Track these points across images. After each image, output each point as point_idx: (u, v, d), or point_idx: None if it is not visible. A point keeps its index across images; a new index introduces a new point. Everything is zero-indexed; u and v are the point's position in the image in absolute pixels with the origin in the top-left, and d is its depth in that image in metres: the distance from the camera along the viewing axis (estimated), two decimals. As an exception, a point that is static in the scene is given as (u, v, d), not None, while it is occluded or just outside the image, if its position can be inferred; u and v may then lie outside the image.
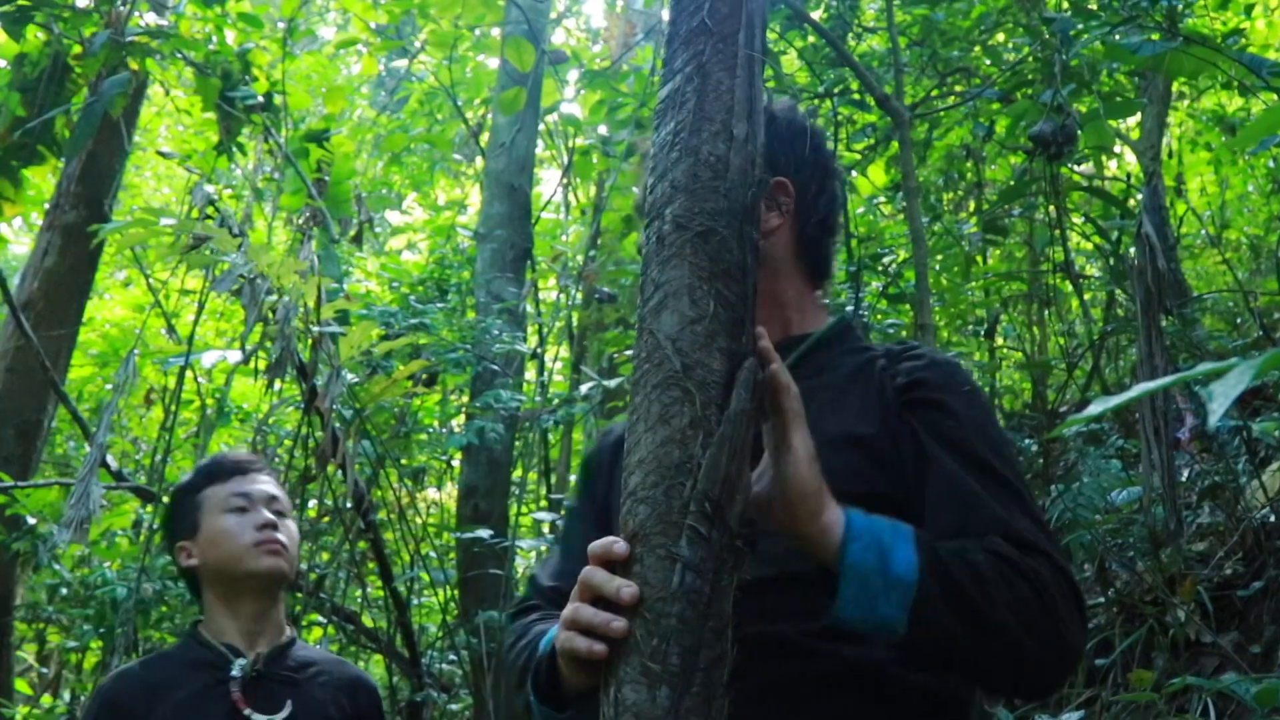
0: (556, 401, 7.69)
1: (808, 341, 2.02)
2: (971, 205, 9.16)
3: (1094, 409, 1.10)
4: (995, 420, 1.92)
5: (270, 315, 5.51)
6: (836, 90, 7.05)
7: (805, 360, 1.99)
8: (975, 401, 1.89)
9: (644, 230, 1.85)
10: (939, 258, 8.09)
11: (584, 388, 7.56)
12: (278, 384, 5.95)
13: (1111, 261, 6.31)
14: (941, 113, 7.31)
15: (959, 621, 1.65)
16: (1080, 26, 4.90)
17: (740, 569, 1.68)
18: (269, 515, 2.77)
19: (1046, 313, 8.67)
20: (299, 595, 6.52)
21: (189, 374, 7.41)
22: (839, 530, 1.69)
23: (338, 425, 5.71)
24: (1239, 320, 8.40)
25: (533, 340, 8.53)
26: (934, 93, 7.47)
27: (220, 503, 2.78)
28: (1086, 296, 8.58)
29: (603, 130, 8.67)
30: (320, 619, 7.06)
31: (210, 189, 6.18)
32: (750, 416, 1.70)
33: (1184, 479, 5.80)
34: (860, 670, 1.77)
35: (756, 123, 1.87)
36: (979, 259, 8.47)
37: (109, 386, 9.36)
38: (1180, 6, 4.76)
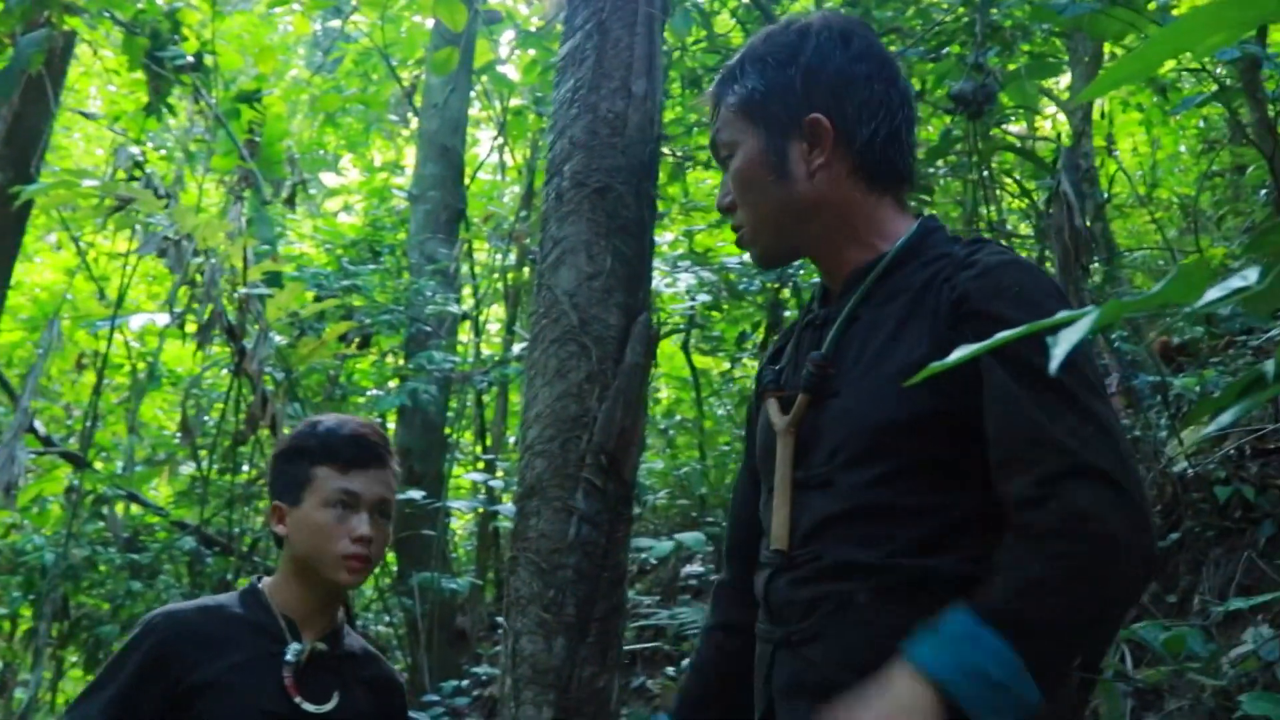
0: (491, 363, 7.69)
1: (874, 271, 1.98)
2: (905, 165, 9.18)
3: (964, 352, 1.12)
4: (1050, 314, 1.77)
5: (198, 278, 5.48)
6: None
7: (881, 283, 1.97)
8: (1024, 302, 1.81)
9: (544, 187, 1.87)
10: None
11: (517, 348, 7.57)
12: (211, 347, 5.92)
13: (1037, 221, 6.37)
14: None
15: (1058, 642, 1.68)
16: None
17: (633, 521, 1.72)
18: (367, 529, 2.56)
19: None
20: (231, 560, 6.51)
21: (120, 338, 7.36)
22: (922, 682, 1.68)
23: (269, 388, 5.70)
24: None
25: (468, 302, 8.50)
26: (866, 53, 7.45)
27: (328, 493, 2.58)
28: (1018, 256, 8.64)
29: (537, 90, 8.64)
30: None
31: (135, 150, 6.13)
32: (644, 371, 1.72)
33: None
34: (935, 576, 1.79)
35: (656, 80, 1.89)
36: (911, 218, 8.50)
37: (38, 351, 9.27)
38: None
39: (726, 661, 2.22)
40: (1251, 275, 1.09)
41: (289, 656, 2.54)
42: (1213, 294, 1.08)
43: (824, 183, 1.99)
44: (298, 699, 2.51)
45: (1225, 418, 1.25)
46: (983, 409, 1.78)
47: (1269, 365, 1.20)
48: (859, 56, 2.03)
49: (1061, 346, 0.98)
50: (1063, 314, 1.08)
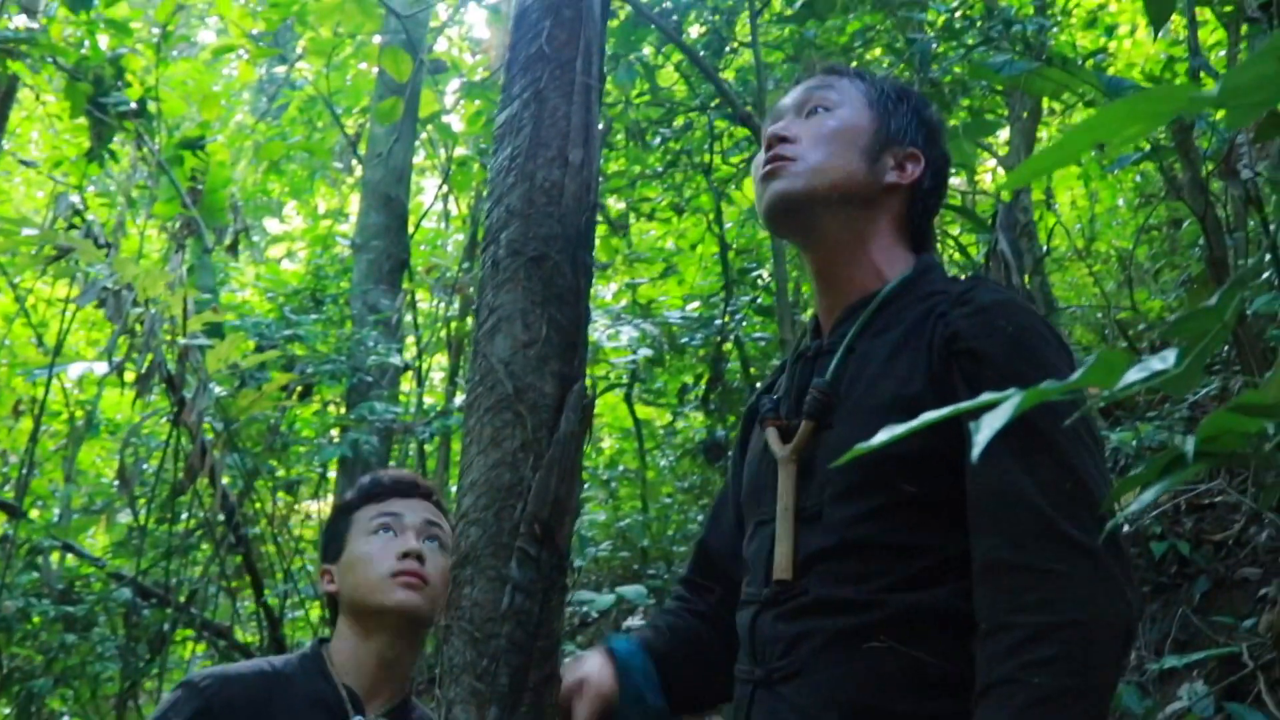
0: (433, 414, 7.67)
1: (874, 302, 2.04)
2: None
3: (888, 434, 1.14)
4: (1042, 359, 1.84)
5: (138, 328, 5.44)
6: (713, 104, 7.11)
7: (877, 316, 2.02)
8: (1017, 344, 1.85)
9: (481, 256, 1.88)
10: (811, 271, 8.15)
11: (459, 399, 7.55)
12: (151, 395, 5.87)
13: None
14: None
15: None
16: (940, 49, 5.01)
17: (568, 589, 1.73)
18: (415, 544, 2.39)
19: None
20: (168, 611, 6.43)
21: (59, 385, 7.29)
22: None
23: (208, 438, 5.65)
24: (1106, 332, 8.59)
25: (411, 351, 8.48)
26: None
27: (367, 524, 2.44)
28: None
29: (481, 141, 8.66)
30: (191, 635, 6.97)
31: (75, 199, 6.09)
32: (579, 440, 1.73)
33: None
34: (920, 611, 1.79)
35: (592, 149, 1.90)
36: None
37: (-25, 398, 9.13)
38: (1032, 31, 4.88)
39: (688, 629, 2.21)
40: (1170, 358, 1.12)
41: None
42: (1132, 376, 1.11)
43: (887, 194, 2.10)
44: None
45: (1147, 495, 1.28)
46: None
47: (1189, 443, 1.22)
48: (946, 148, 2.24)
49: (983, 434, 1.00)
50: (999, 394, 1.10)
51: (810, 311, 2.26)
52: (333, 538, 2.52)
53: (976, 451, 1.02)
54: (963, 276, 2.65)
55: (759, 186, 2.12)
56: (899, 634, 1.79)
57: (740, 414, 2.34)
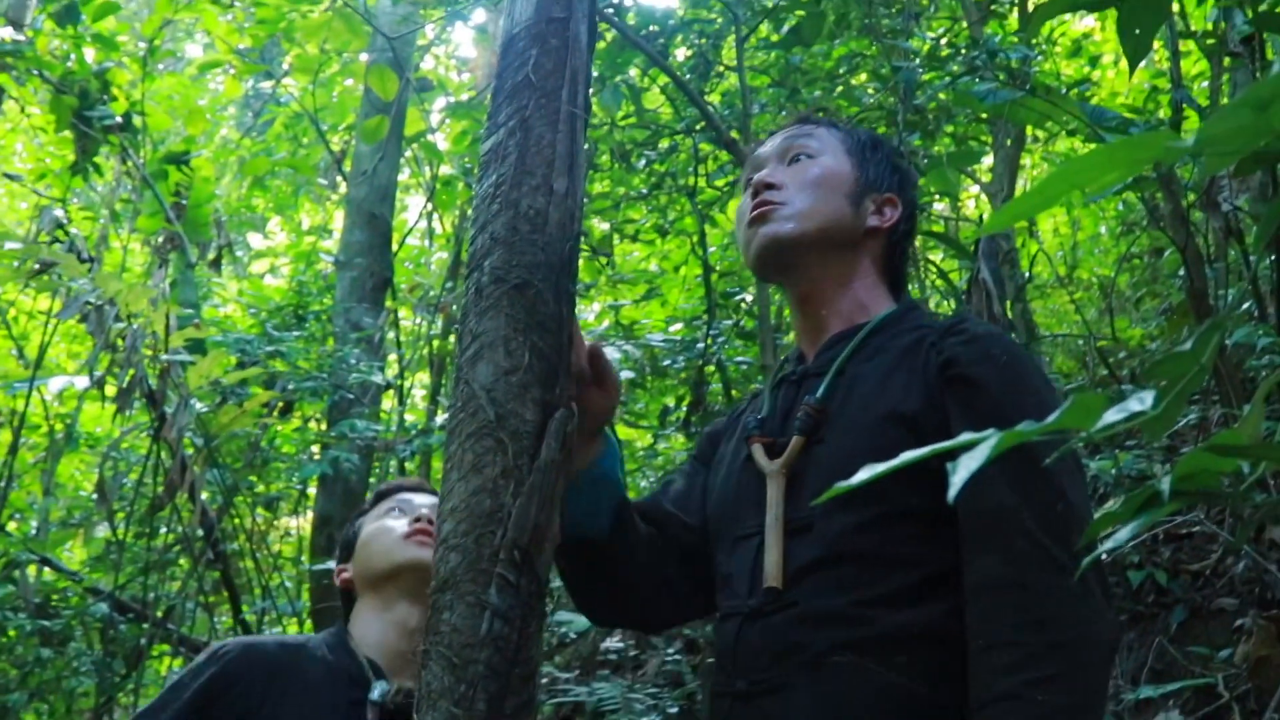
0: (414, 432, 7.66)
1: (863, 330, 2.10)
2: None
3: (869, 473, 1.15)
4: (1033, 388, 1.92)
5: (120, 343, 5.43)
6: (698, 127, 7.13)
7: (864, 345, 2.08)
8: (1010, 372, 1.91)
9: (465, 281, 1.88)
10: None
11: (440, 417, 7.54)
12: (132, 410, 5.86)
13: (958, 304, 6.46)
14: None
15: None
16: (926, 76, 5.05)
17: (547, 616, 1.73)
18: (426, 512, 2.50)
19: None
20: (144, 627, 6.40)
21: (39, 398, 7.26)
22: None
23: (188, 453, 5.64)
24: (1087, 359, 8.62)
25: (393, 370, 8.47)
26: (794, 132, 7.53)
27: (377, 515, 2.58)
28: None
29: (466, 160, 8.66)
30: (168, 650, 6.94)
31: (59, 213, 6.08)
32: (560, 466, 1.74)
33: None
34: (909, 632, 1.81)
35: (577, 178, 1.91)
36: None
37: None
38: (1016, 60, 4.91)
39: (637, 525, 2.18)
40: (1148, 399, 1.13)
41: (375, 696, 2.34)
42: (1110, 417, 1.12)
43: (869, 237, 2.18)
44: None
45: (1123, 534, 1.29)
46: None
47: (1166, 481, 1.24)
48: (916, 195, 2.37)
49: (960, 474, 1.02)
50: (977, 435, 1.11)
51: (792, 336, 2.31)
52: (347, 542, 2.62)
53: (953, 493, 1.03)
54: (944, 305, 2.75)
55: (746, 232, 2.17)
56: (886, 654, 1.80)
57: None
